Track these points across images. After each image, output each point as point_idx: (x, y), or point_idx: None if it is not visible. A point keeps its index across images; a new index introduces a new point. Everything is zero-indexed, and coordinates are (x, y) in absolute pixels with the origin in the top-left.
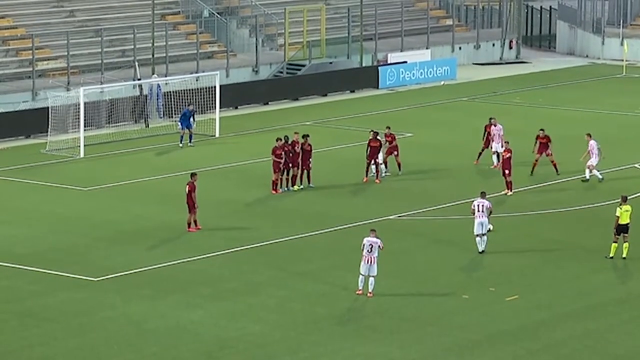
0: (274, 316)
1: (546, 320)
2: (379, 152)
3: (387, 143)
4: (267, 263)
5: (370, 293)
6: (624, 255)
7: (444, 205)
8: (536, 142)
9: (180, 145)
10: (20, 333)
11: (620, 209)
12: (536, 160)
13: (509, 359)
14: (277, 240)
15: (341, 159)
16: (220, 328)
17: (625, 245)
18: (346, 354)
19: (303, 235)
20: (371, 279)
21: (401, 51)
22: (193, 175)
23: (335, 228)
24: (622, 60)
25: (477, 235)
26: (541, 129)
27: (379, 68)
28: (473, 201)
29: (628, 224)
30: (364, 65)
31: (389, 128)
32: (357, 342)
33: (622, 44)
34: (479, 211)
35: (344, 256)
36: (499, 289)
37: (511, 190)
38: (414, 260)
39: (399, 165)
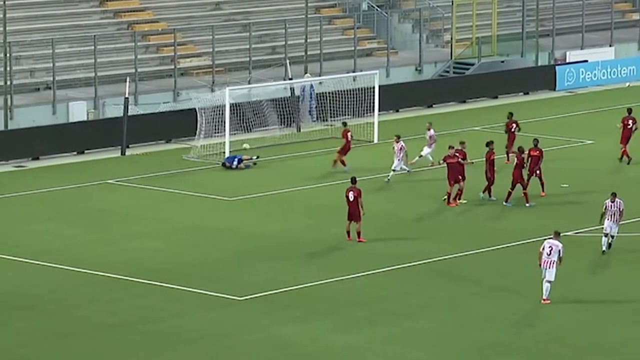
0: (435, 342)
1: None
2: (540, 163)
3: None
4: (429, 283)
5: (545, 299)
6: None
7: (628, 222)
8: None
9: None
10: (155, 357)
11: None
12: None
13: None
14: (440, 258)
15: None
16: (376, 354)
17: None
18: None
19: (468, 252)
20: (547, 284)
21: (581, 49)
22: (354, 180)
23: (504, 245)
24: None
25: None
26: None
27: (557, 68)
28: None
29: None
30: (539, 64)
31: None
32: None
33: None
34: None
35: (513, 276)
36: None
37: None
38: (591, 279)
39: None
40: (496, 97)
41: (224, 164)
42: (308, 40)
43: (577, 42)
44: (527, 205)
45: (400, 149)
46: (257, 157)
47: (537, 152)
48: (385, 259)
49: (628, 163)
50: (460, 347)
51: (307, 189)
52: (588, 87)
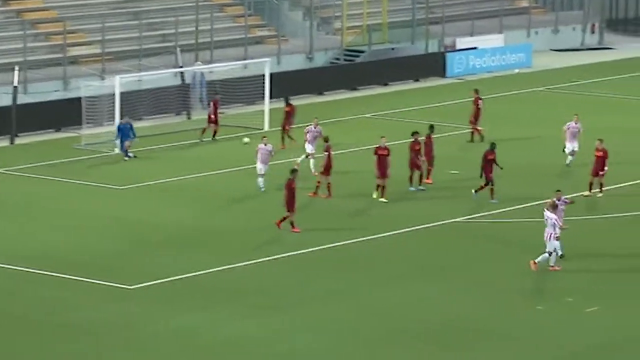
0: (335, 330)
1: (634, 337)
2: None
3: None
4: (326, 271)
5: (550, 266)
6: None
7: (517, 207)
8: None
9: (125, 158)
10: (56, 349)
11: None
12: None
13: None
14: (336, 244)
15: (404, 155)
16: (275, 343)
17: None
18: None
19: (366, 238)
20: (545, 254)
21: (471, 36)
22: (294, 171)
23: (401, 231)
24: None
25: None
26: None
27: (446, 55)
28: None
29: None
30: (429, 51)
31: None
32: (427, 358)
33: None
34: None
35: (409, 263)
36: (577, 299)
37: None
38: (482, 266)
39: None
40: (386, 84)
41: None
42: (199, 28)
43: (467, 29)
44: (416, 189)
45: (307, 132)
46: (135, 157)
47: (427, 139)
48: (281, 247)
49: (482, 140)
50: (360, 335)
51: (198, 177)
52: (477, 74)
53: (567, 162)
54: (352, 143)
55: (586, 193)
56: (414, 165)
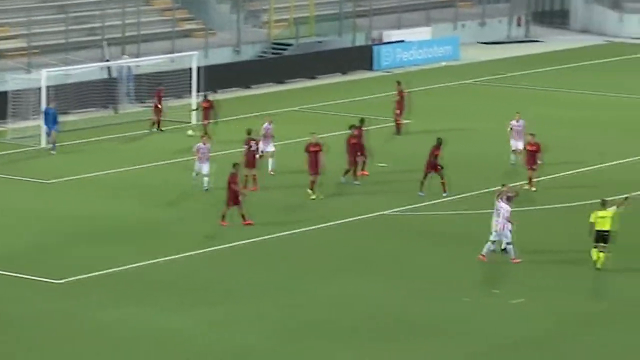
0: (264, 324)
1: (559, 326)
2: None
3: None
4: (256, 264)
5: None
6: (598, 266)
7: (447, 200)
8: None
9: (53, 152)
10: None
11: (594, 214)
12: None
13: None
14: (267, 238)
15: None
16: (202, 338)
17: (602, 255)
18: None
19: (297, 231)
20: (488, 244)
21: (398, 29)
22: (236, 165)
23: (327, 224)
24: None
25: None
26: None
27: (374, 48)
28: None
29: (608, 231)
30: (357, 44)
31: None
32: (361, 352)
33: None
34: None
35: (341, 255)
36: (503, 291)
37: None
38: (409, 258)
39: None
40: (314, 78)
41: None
42: (126, 22)
43: (394, 22)
44: (345, 180)
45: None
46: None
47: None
48: (212, 241)
49: (399, 134)
50: (288, 328)
51: (126, 170)
52: (405, 67)
53: (512, 161)
54: (280, 137)
55: (527, 186)
56: (352, 159)
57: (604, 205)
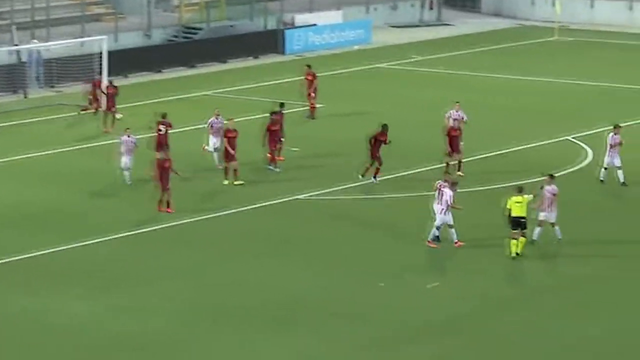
0: (174, 308)
1: (475, 310)
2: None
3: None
4: (164, 249)
5: (455, 242)
6: (517, 251)
7: (358, 184)
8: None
9: None
10: None
11: (510, 200)
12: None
13: (434, 355)
14: (179, 223)
15: (242, 133)
16: (114, 323)
17: (522, 240)
18: (261, 350)
19: (210, 216)
20: (434, 230)
21: (310, 12)
22: (165, 147)
23: (241, 209)
24: (554, 22)
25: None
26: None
27: (285, 31)
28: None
29: (524, 217)
30: (268, 28)
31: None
32: (272, 337)
33: (553, 4)
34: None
35: (253, 240)
36: (418, 275)
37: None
38: (323, 243)
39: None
40: (225, 62)
41: None
42: (35, 6)
43: (306, 5)
44: (272, 168)
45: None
46: None
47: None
48: (123, 226)
49: (311, 117)
50: (200, 312)
51: (35, 156)
52: (316, 51)
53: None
54: (192, 121)
55: (458, 173)
56: (273, 145)
57: (520, 191)
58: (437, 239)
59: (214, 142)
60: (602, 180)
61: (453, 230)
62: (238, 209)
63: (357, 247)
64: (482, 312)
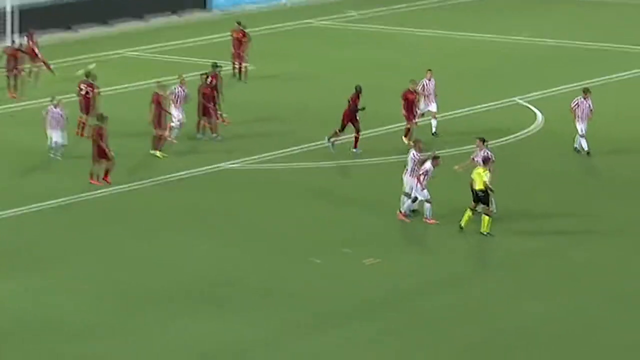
0: (91, 287)
1: (416, 288)
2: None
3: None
4: (88, 223)
5: (425, 218)
6: (482, 230)
7: (296, 151)
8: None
9: None
10: None
11: (473, 171)
12: None
13: (372, 333)
14: (97, 194)
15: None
16: (30, 304)
17: (486, 219)
18: (183, 333)
19: (120, 188)
20: (409, 202)
21: None
22: (102, 118)
23: (163, 179)
24: None
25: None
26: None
27: None
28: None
29: (483, 191)
30: None
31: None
32: (196, 319)
33: None
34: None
35: (177, 214)
36: (356, 251)
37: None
38: (251, 215)
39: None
40: (142, 18)
41: None
42: None
43: None
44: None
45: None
46: None
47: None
48: (36, 198)
49: (241, 79)
50: (118, 293)
51: None
52: (243, 7)
53: (434, 130)
54: (108, 83)
55: (405, 139)
56: (206, 111)
57: (484, 162)
58: (412, 213)
59: (178, 115)
60: (577, 149)
61: (429, 205)
62: (162, 180)
63: (292, 220)
64: (424, 289)
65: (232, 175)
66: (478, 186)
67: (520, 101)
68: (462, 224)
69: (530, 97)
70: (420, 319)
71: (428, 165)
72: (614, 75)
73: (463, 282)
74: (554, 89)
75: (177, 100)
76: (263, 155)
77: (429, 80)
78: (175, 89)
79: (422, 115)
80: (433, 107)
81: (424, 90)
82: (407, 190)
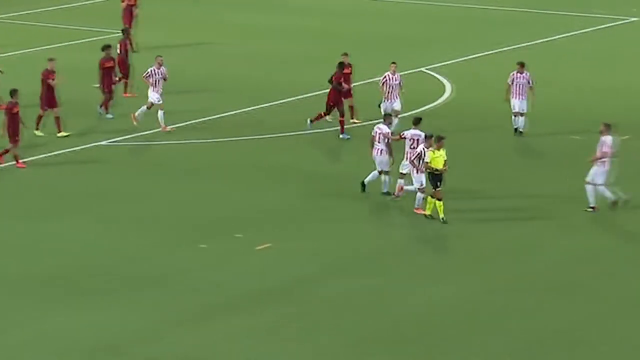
0: None
1: (312, 274)
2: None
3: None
4: None
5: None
6: (442, 216)
7: (178, 126)
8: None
9: None
10: None
11: (433, 153)
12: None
13: (270, 322)
14: None
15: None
16: None
17: (439, 204)
18: (50, 329)
19: None
20: (385, 177)
21: None
22: (14, 92)
23: (46, 155)
24: None
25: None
26: None
27: None
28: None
29: (440, 171)
30: None
31: None
32: (67, 311)
33: None
34: (377, 141)
35: (47, 197)
36: (247, 236)
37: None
38: (132, 196)
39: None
40: None
41: None
42: None
43: None
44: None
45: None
46: None
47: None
48: None
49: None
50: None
51: None
52: None
53: (395, 123)
54: None
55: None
56: (107, 86)
57: (438, 141)
58: (386, 194)
59: (156, 97)
60: (518, 130)
61: (421, 195)
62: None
63: (177, 200)
64: (324, 276)
65: (108, 153)
66: (437, 165)
67: (427, 70)
68: (429, 212)
69: (437, 66)
70: (318, 306)
71: (421, 147)
72: (525, 43)
73: (366, 267)
74: (464, 57)
75: (153, 81)
76: (146, 131)
77: (393, 74)
78: (153, 69)
79: (391, 116)
80: (397, 105)
81: (385, 85)
82: (385, 168)
